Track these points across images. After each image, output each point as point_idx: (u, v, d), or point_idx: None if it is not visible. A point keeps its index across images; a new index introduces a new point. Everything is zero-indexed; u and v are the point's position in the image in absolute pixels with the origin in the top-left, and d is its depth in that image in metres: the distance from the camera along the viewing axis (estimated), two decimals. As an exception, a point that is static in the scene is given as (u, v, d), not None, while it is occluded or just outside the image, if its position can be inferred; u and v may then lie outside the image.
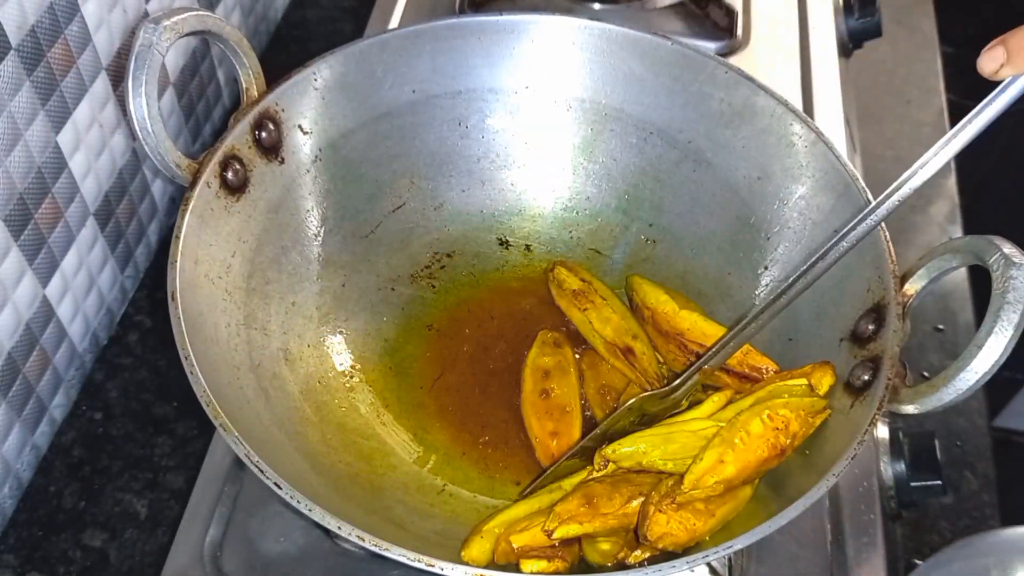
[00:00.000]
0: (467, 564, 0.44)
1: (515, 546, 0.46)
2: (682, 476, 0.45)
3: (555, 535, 0.45)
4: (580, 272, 0.61)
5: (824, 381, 0.49)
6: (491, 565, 0.47)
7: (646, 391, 0.54)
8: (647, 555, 0.46)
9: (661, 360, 0.58)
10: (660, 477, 0.47)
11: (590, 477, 0.49)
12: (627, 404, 0.52)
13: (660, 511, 0.45)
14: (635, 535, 0.46)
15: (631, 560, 0.46)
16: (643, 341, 0.57)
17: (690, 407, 0.52)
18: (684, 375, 0.53)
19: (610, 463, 0.48)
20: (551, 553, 0.46)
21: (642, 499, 0.46)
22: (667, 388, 0.53)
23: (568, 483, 0.50)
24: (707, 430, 0.47)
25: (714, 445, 0.46)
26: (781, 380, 0.50)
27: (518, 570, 0.46)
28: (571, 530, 0.46)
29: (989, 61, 0.43)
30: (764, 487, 0.48)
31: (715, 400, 0.51)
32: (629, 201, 0.63)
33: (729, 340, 0.52)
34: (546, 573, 0.45)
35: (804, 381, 0.49)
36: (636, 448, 0.47)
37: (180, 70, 0.72)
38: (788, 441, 0.46)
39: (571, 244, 0.65)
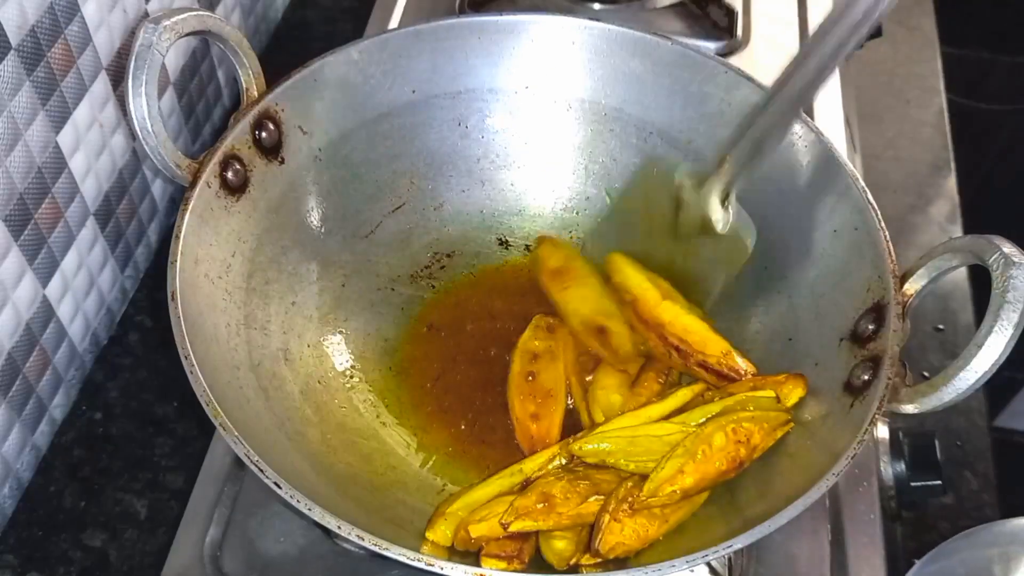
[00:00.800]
0: (432, 543, 0.47)
1: (472, 536, 0.47)
2: (642, 479, 0.46)
3: (511, 528, 0.46)
4: (564, 248, 0.61)
5: (794, 393, 0.50)
6: (452, 549, 0.48)
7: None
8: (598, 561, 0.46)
9: (641, 344, 0.57)
10: (620, 477, 0.48)
11: (550, 465, 0.50)
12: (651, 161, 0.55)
13: (615, 520, 0.45)
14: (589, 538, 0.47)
15: (584, 562, 0.46)
16: (619, 321, 0.57)
17: (660, 399, 0.53)
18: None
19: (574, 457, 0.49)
20: (509, 548, 0.47)
21: (599, 498, 0.47)
22: (698, 168, 0.55)
23: (529, 465, 0.50)
24: (672, 436, 0.48)
25: (676, 455, 0.46)
26: (752, 389, 0.50)
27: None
28: (526, 526, 0.46)
29: None
30: (763, 488, 0.48)
31: (681, 395, 0.52)
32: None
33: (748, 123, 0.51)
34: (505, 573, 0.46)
35: (772, 393, 0.50)
36: (600, 447, 0.48)
37: (180, 70, 0.72)
38: (747, 454, 0.47)
39: (571, 244, 0.65)
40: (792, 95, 0.50)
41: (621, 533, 0.45)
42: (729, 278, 0.57)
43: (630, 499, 0.46)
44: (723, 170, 0.54)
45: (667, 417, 0.51)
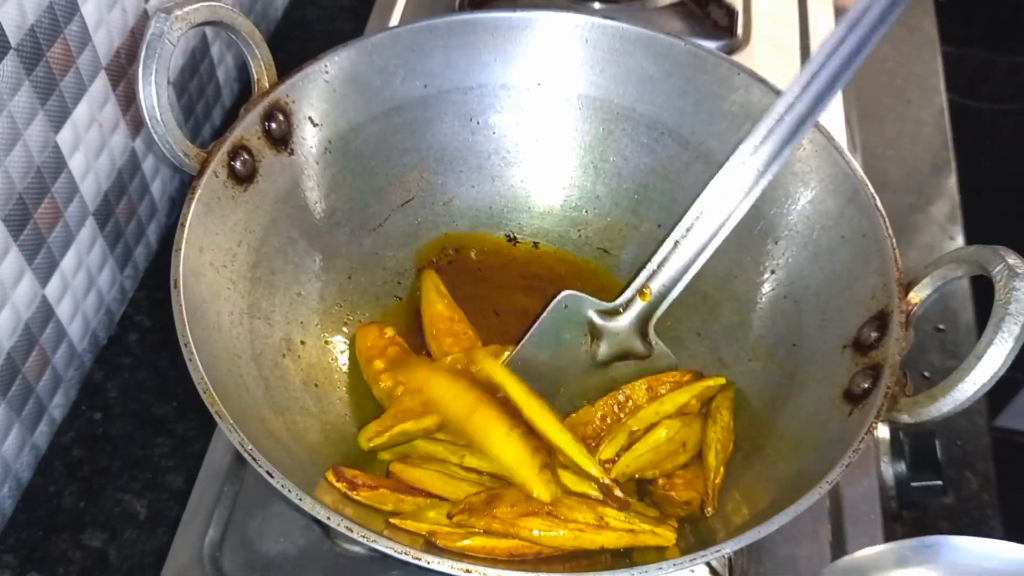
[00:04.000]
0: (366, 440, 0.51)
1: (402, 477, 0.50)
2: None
3: (454, 519, 0.47)
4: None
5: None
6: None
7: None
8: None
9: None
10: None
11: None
12: (555, 300, 0.55)
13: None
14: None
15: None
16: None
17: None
18: (624, 294, 0.55)
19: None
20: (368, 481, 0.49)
21: (544, 519, 0.47)
22: (609, 304, 0.55)
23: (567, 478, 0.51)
24: (678, 432, 0.52)
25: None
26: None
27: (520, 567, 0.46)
28: (461, 519, 0.47)
29: None
30: (761, 491, 0.48)
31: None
32: (639, 201, 0.63)
33: (666, 255, 0.54)
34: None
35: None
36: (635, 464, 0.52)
37: (180, 70, 0.72)
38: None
39: (579, 243, 0.65)
40: (704, 238, 0.53)
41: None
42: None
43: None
44: (640, 303, 0.55)
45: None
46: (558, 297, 0.55)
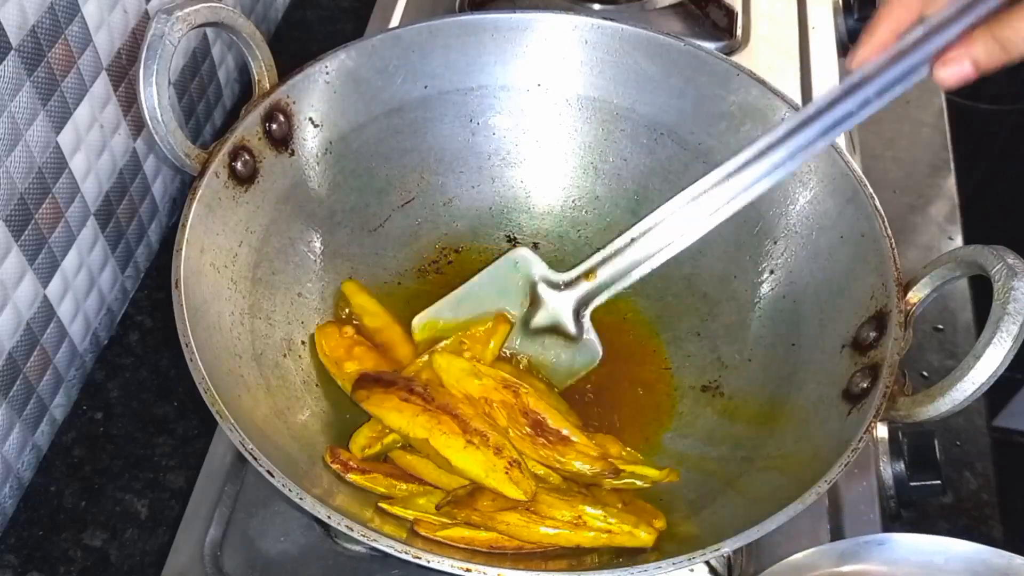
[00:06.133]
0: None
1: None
2: None
3: (441, 509, 0.48)
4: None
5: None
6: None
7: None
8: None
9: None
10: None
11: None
12: (510, 252, 0.57)
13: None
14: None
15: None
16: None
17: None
18: (574, 270, 0.56)
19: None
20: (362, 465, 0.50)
21: (515, 512, 0.47)
22: (558, 275, 0.57)
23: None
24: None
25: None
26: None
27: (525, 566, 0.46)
28: (449, 512, 0.47)
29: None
30: (760, 490, 0.48)
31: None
32: (638, 202, 0.63)
33: (620, 248, 0.54)
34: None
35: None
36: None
37: (181, 71, 0.72)
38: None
39: (579, 243, 0.65)
40: (666, 238, 0.53)
41: None
42: (564, 380, 0.58)
43: None
44: (586, 285, 0.56)
45: None
46: (511, 252, 0.57)
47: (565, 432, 0.52)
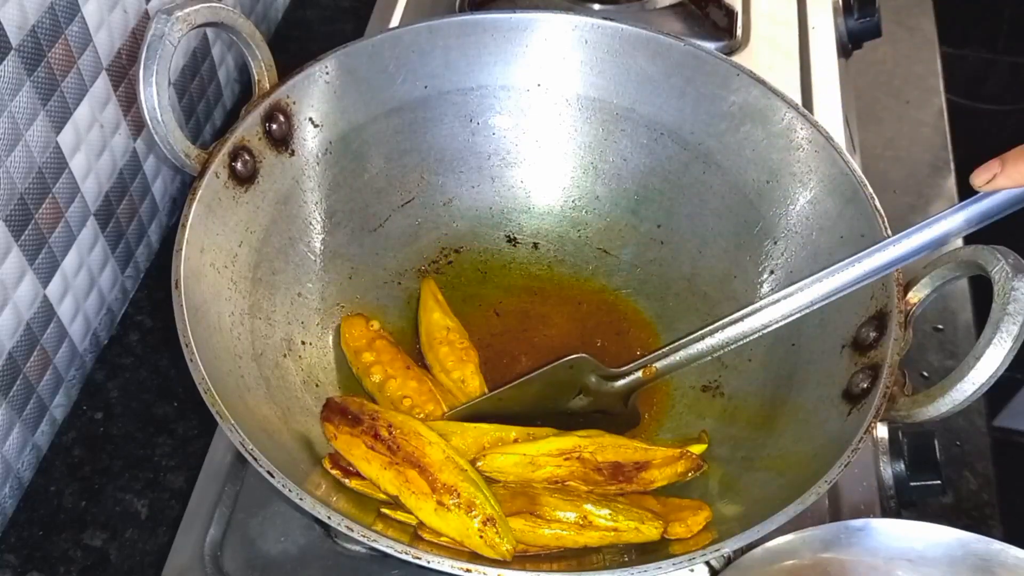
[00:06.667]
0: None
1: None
2: None
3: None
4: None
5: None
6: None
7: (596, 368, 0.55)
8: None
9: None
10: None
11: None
12: (568, 359, 0.54)
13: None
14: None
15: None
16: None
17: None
18: (631, 366, 0.55)
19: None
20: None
21: (519, 517, 0.47)
22: (613, 372, 0.55)
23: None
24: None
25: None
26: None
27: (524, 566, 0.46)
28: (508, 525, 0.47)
29: (983, 172, 0.44)
30: (760, 490, 0.48)
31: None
32: (638, 201, 0.64)
33: (684, 345, 0.54)
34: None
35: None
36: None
37: (181, 71, 0.72)
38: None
39: (579, 243, 0.65)
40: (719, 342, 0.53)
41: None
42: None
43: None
44: (641, 378, 0.55)
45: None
46: (569, 358, 0.54)
47: (639, 458, 0.51)
